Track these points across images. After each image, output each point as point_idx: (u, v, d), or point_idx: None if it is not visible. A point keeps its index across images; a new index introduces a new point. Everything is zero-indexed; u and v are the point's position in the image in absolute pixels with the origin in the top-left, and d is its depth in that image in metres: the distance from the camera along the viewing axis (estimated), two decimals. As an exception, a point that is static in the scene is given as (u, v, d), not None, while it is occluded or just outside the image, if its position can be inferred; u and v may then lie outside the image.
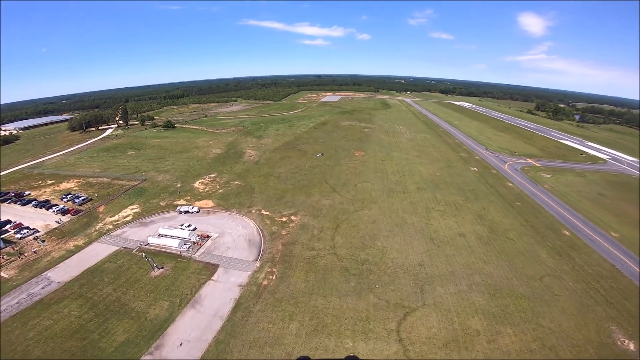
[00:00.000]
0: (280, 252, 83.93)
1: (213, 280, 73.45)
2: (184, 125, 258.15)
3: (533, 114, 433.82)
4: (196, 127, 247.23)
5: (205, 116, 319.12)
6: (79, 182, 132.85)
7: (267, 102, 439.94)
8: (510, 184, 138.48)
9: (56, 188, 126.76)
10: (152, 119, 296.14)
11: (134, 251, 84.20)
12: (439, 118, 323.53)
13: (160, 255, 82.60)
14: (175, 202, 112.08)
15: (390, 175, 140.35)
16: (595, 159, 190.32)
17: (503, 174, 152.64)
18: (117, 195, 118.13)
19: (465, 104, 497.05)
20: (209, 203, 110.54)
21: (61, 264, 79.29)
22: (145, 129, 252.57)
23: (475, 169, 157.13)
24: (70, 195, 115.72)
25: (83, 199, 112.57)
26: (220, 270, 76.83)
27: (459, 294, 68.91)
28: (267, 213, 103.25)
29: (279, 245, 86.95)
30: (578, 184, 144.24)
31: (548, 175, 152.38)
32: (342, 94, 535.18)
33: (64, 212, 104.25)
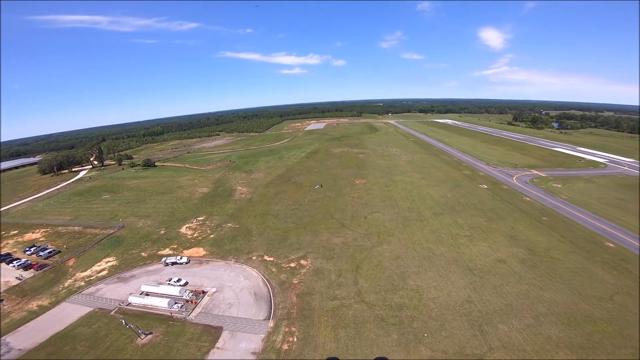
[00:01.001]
0: (296, 306, 68.13)
1: (218, 348, 58.12)
2: (165, 164, 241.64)
3: (513, 124, 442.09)
4: (179, 165, 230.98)
5: (188, 152, 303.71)
6: (46, 231, 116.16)
7: (251, 134, 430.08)
8: (527, 199, 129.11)
9: (19, 239, 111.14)
10: (130, 157, 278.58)
11: (112, 313, 68.61)
12: (428, 137, 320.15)
13: (146, 318, 66.99)
14: (159, 252, 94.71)
15: (400, 202, 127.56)
16: (595, 164, 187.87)
17: (515, 188, 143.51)
18: (90, 246, 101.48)
19: (449, 121, 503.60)
20: (200, 251, 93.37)
21: (22, 327, 66.88)
22: (123, 169, 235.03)
23: (485, 186, 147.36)
24: (34, 248, 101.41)
25: (50, 252, 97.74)
26: (225, 335, 61.08)
27: (528, 330, 58.89)
28: (271, 259, 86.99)
29: (292, 297, 70.82)
30: (592, 191, 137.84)
31: (559, 185, 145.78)
32: (326, 120, 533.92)
33: (26, 266, 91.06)
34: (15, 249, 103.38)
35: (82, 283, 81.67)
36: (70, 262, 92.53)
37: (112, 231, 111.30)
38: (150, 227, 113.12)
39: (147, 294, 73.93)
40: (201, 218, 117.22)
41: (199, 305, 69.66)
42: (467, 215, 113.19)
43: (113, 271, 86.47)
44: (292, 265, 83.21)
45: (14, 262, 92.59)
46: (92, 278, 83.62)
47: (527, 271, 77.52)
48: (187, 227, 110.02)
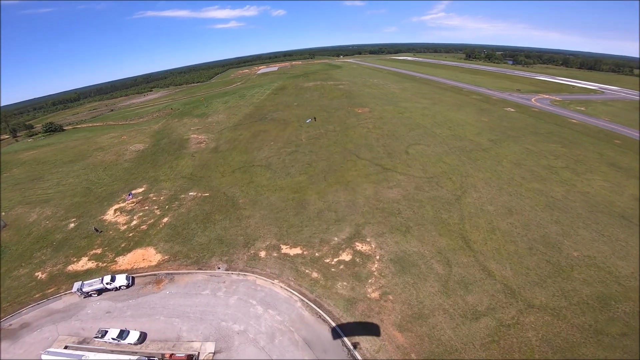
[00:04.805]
0: (414, 354, 30.31)
1: None
2: (78, 126, 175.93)
3: (471, 60, 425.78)
4: (98, 124, 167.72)
5: (112, 110, 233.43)
6: None
7: (193, 85, 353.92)
8: (574, 121, 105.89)
9: None
10: (30, 127, 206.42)
11: None
12: (401, 70, 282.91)
13: None
14: (70, 268, 48.22)
15: (436, 130, 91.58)
16: (591, 91, 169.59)
17: (548, 110, 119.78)
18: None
19: (408, 57, 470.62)
20: (149, 255, 47.84)
21: None
22: (17, 141, 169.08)
23: (512, 109, 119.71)
24: None
25: None
26: None
27: None
28: (298, 250, 45.30)
29: (393, 334, 32.59)
30: (620, 112, 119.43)
31: (583, 108, 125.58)
32: (277, 65, 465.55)
33: None
34: None
35: None
36: None
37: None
38: (51, 220, 63.11)
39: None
40: (140, 190, 68.37)
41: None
42: (532, 141, 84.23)
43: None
44: (345, 257, 42.89)
45: None
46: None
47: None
48: (116, 210, 61.38)
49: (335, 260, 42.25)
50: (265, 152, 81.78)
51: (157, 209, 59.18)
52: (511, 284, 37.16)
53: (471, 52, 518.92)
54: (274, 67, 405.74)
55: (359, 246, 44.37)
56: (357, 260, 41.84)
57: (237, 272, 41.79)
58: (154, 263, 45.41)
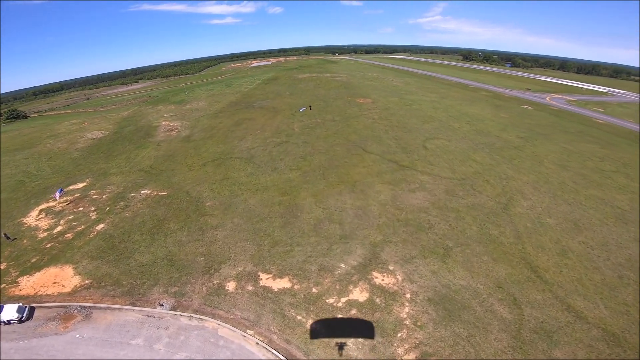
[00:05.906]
0: None
1: None
2: (45, 114, 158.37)
3: (469, 62, 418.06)
4: (66, 112, 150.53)
5: (88, 99, 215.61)
6: None
7: (181, 76, 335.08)
8: (600, 121, 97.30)
9: None
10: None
11: None
12: (400, 66, 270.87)
13: None
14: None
15: (453, 123, 78.82)
16: (600, 93, 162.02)
17: (568, 109, 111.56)
18: None
19: (405, 56, 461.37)
20: (63, 276, 32.38)
21: None
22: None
23: (530, 107, 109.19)
24: None
25: None
26: None
27: None
28: (285, 283, 30.39)
29: None
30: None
31: (601, 109, 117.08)
32: (271, 60, 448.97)
33: None
34: None
35: None
36: None
37: None
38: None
39: None
40: (80, 185, 52.40)
41: None
42: (567, 140, 73.07)
43: None
44: (359, 296, 28.47)
45: None
46: None
47: None
48: (42, 211, 45.47)
49: (343, 300, 27.74)
50: (249, 142, 66.60)
51: (94, 211, 43.63)
52: (611, 328, 24.31)
53: (468, 54, 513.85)
54: (267, 62, 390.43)
55: (378, 278, 30.00)
56: (377, 300, 27.46)
57: (190, 314, 26.99)
58: (67, 289, 30.29)
